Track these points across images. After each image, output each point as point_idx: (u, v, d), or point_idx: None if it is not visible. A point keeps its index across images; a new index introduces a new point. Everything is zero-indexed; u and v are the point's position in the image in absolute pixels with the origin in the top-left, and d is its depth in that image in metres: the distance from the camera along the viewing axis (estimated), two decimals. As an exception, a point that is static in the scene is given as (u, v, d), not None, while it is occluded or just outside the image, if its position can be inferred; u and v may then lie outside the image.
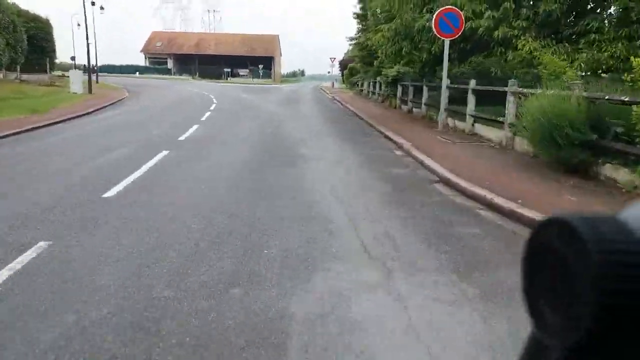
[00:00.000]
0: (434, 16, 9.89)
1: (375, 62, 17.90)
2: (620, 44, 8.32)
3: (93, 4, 25.88)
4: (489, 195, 4.90)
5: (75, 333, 2.39)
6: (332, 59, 44.50)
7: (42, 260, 3.29)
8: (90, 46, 23.36)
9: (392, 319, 2.62)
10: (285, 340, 2.37)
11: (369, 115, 14.27)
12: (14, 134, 9.28)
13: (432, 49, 11.38)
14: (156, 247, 3.54)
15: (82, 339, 2.33)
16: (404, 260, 3.42)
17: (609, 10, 9.71)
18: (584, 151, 5.59)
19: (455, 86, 10.55)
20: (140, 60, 64.21)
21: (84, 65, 23.81)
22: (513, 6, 9.74)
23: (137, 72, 57.75)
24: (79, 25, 27.02)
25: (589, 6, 9.96)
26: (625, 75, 5.55)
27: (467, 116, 9.86)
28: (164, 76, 54.16)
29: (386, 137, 9.84)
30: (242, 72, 59.30)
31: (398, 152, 8.14)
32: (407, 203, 4.90)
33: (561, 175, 5.81)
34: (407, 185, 5.73)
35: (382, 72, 18.21)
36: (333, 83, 45.24)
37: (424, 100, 13.29)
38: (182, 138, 9.15)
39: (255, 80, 54.37)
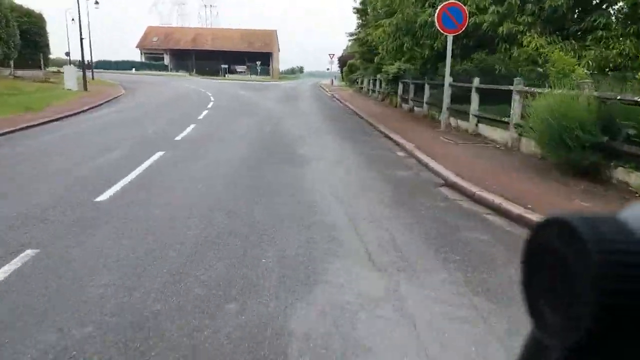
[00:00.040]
0: (437, 11, 9.64)
1: (376, 59, 17.62)
2: (628, 41, 8.10)
3: (88, -2, 25.51)
4: (496, 200, 4.70)
5: (57, 354, 2.18)
6: (331, 55, 44.11)
7: (29, 269, 3.08)
8: (85, 42, 23.03)
9: (400, 338, 2.42)
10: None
11: (369, 114, 14.04)
12: (7, 132, 9.02)
13: (435, 45, 11.13)
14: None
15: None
16: (410, 271, 3.21)
17: (616, 6, 9.50)
18: (594, 154, 5.38)
19: (459, 84, 10.32)
20: (136, 56, 63.78)
21: (79, 61, 23.42)
22: (518, 1, 9.49)
23: (134, 68, 57.28)
24: (73, 20, 26.72)
25: (594, 1, 9.73)
26: (639, 75, 5.33)
27: (471, 116, 9.62)
28: (161, 72, 53.72)
29: (387, 137, 9.62)
30: (239, 68, 58.89)
31: (400, 153, 7.92)
32: (412, 208, 4.69)
33: (570, 178, 5.60)
34: (411, 188, 5.52)
35: (383, 69, 17.93)
36: (332, 80, 44.84)
37: (425, 98, 13.04)
38: (178, 138, 8.92)
39: (253, 77, 53.99)
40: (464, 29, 9.64)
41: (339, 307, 2.70)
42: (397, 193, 5.26)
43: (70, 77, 20.88)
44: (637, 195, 4.94)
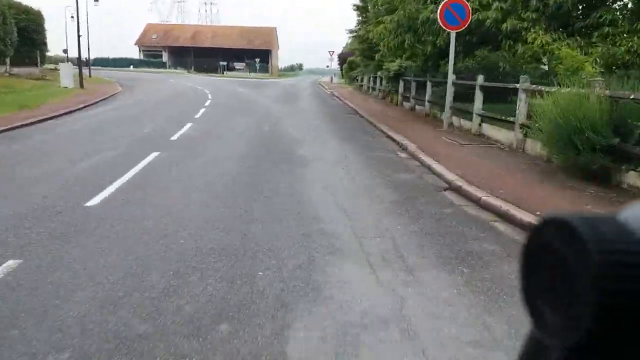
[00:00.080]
0: (439, 7, 9.40)
1: (376, 56, 17.34)
2: (636, 38, 7.89)
3: (86, -5, 25.23)
4: (504, 206, 4.49)
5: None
6: (331, 53, 43.85)
7: (10, 281, 2.89)
8: (83, 39, 22.81)
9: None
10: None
11: (369, 112, 13.81)
12: (2, 131, 8.82)
13: (437, 41, 10.89)
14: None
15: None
16: (416, 287, 3.01)
17: (621, 2, 9.27)
18: (605, 156, 5.16)
19: (462, 82, 10.07)
20: (135, 53, 63.47)
21: (77, 58, 23.15)
22: (522, -3, 9.27)
23: (132, 66, 56.97)
24: (72, 17, 26.34)
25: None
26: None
27: (474, 115, 9.38)
28: (159, 70, 53.40)
29: (388, 136, 9.40)
30: (238, 65, 58.51)
31: (402, 154, 7.70)
32: (416, 215, 4.48)
33: (579, 182, 5.39)
34: (414, 193, 5.30)
35: (383, 67, 17.65)
36: (332, 77, 44.53)
37: (427, 97, 12.80)
38: (174, 138, 8.70)
39: (252, 74, 53.63)
40: (466, 25, 9.41)
41: (341, 329, 2.50)
42: (400, 198, 5.05)
43: (67, 75, 20.64)
44: (650, 200, 4.74)
